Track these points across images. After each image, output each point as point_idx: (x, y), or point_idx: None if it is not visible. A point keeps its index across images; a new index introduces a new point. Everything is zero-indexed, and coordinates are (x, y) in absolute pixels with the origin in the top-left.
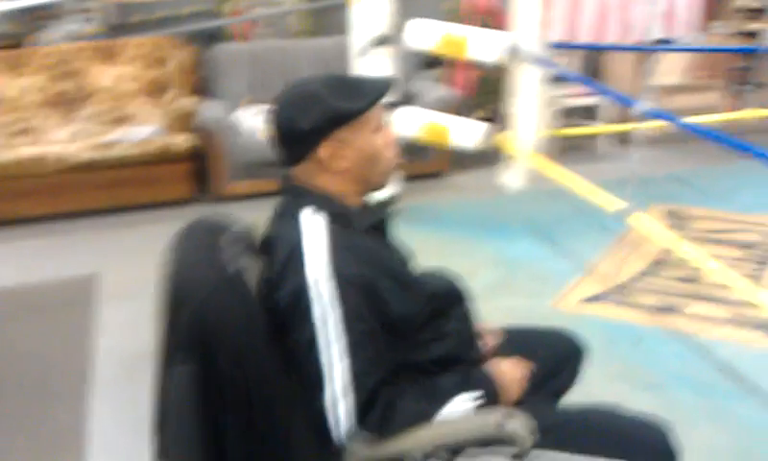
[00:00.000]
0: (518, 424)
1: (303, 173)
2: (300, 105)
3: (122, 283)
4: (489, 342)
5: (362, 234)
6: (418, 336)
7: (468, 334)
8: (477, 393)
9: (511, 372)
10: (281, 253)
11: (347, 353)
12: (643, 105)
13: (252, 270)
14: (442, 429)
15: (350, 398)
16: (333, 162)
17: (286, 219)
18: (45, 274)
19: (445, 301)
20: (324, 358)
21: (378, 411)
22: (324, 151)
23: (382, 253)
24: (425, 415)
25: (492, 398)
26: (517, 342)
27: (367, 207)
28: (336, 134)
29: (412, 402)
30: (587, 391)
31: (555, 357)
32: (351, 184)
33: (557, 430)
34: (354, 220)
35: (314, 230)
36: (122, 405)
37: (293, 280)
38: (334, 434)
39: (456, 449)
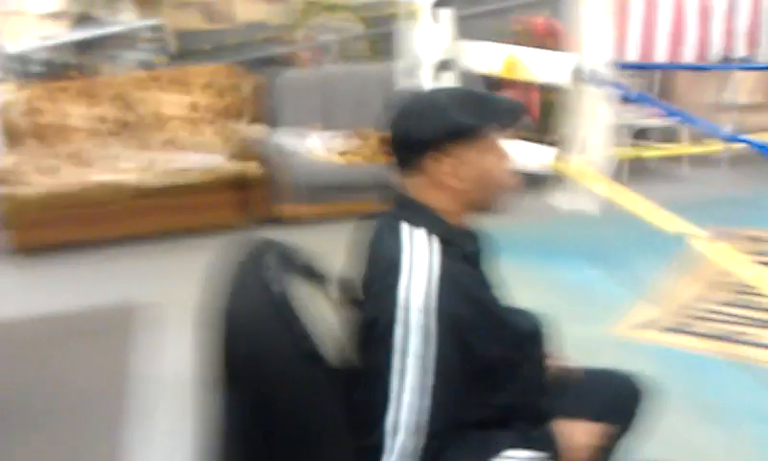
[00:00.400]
0: None
1: (415, 184)
2: (419, 112)
3: (179, 309)
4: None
5: (466, 265)
6: (491, 379)
7: (539, 381)
8: (534, 452)
9: (579, 436)
10: (380, 265)
11: (421, 391)
12: (720, 126)
13: (298, 290)
14: None
15: (410, 436)
16: (445, 178)
17: (393, 231)
18: (109, 297)
19: (529, 344)
20: (394, 384)
21: (429, 457)
22: (436, 165)
23: (482, 289)
24: None
25: (553, 458)
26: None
27: (468, 231)
28: (453, 150)
29: (463, 453)
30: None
31: (609, 401)
32: (459, 204)
33: None
34: (463, 248)
35: (425, 255)
36: (160, 437)
37: (382, 300)
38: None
39: None
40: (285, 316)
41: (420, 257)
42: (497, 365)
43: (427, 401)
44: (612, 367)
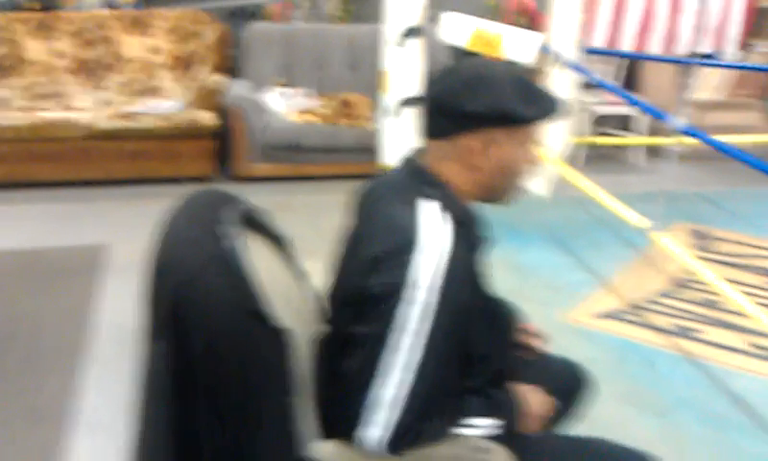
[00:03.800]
0: (500, 456)
1: (439, 151)
2: (474, 84)
3: (131, 256)
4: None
5: (472, 250)
6: (468, 366)
7: (509, 366)
8: (497, 420)
9: (537, 406)
10: (397, 237)
11: (414, 370)
12: (676, 120)
13: (253, 249)
14: (424, 452)
15: (396, 414)
16: (476, 157)
17: (408, 201)
18: (56, 239)
19: (508, 333)
20: (385, 359)
21: (411, 437)
22: (472, 142)
23: (481, 278)
24: (441, 437)
25: (510, 426)
26: (529, 367)
27: (478, 216)
28: (492, 131)
29: (436, 427)
30: (592, 410)
31: (560, 386)
32: (477, 187)
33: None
34: (473, 234)
35: (439, 232)
36: (113, 383)
37: (402, 274)
38: (374, 434)
39: None
40: (233, 272)
41: (435, 235)
42: (481, 354)
43: (428, 383)
44: (561, 355)
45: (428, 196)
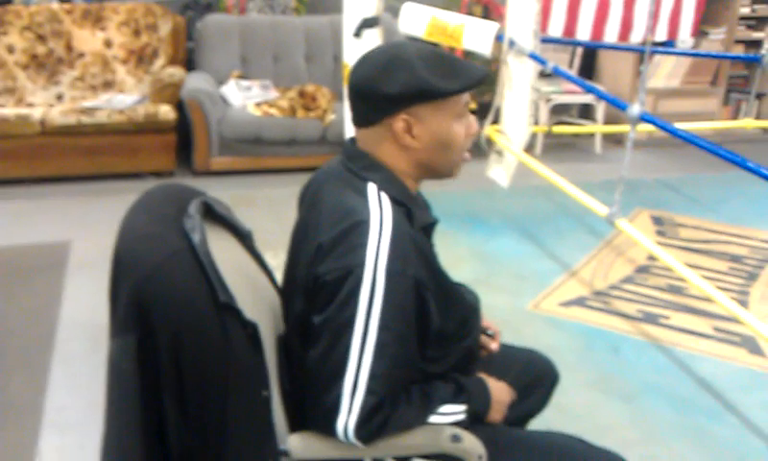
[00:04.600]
0: (473, 444)
1: (370, 138)
2: (387, 66)
3: (93, 253)
4: (495, 339)
5: (418, 231)
6: (433, 351)
7: (474, 354)
8: (467, 406)
9: (501, 395)
10: (341, 222)
11: (371, 352)
12: (634, 108)
13: (216, 243)
14: (394, 441)
15: (359, 398)
16: (405, 137)
17: (348, 186)
18: (15, 238)
19: (472, 319)
20: (343, 345)
21: (377, 423)
22: (398, 122)
23: (433, 260)
24: (413, 424)
25: (481, 414)
26: (492, 358)
27: (420, 200)
28: (416, 109)
29: (405, 413)
30: (560, 397)
31: (527, 379)
32: (415, 166)
33: (515, 453)
34: (415, 215)
35: (380, 212)
36: (81, 381)
37: (349, 257)
38: (338, 421)
39: (405, 460)
40: (196, 266)
41: (375, 216)
42: (443, 338)
43: (386, 362)
44: (528, 347)
45: (367, 179)
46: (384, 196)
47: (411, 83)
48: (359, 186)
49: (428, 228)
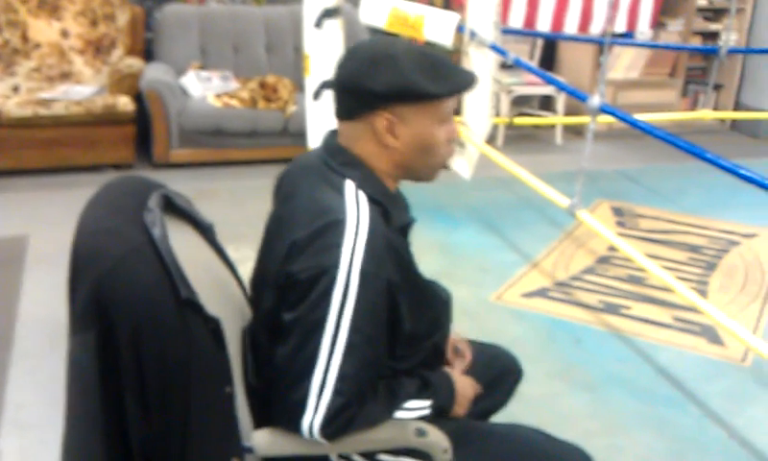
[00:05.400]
0: (438, 438)
1: (351, 133)
2: (375, 62)
3: (51, 248)
4: (467, 356)
5: (394, 230)
6: (402, 348)
7: (443, 347)
8: (432, 401)
9: (466, 389)
10: (316, 220)
11: (341, 352)
12: (594, 99)
13: (177, 236)
14: (360, 437)
15: (326, 397)
16: (386, 136)
17: (325, 181)
18: None
19: (443, 317)
20: (312, 344)
21: (343, 421)
22: (381, 120)
23: (409, 261)
24: (379, 420)
25: (446, 409)
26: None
27: (399, 199)
28: (400, 109)
29: (371, 410)
30: (522, 387)
31: (491, 375)
32: (394, 166)
33: (479, 446)
34: (392, 215)
35: (357, 211)
36: (40, 379)
37: (324, 257)
38: (304, 420)
39: (371, 455)
40: (157, 260)
41: (352, 215)
42: (413, 338)
43: (355, 363)
44: (492, 343)
45: (345, 176)
46: (361, 194)
47: (397, 81)
48: (336, 183)
49: (405, 227)
